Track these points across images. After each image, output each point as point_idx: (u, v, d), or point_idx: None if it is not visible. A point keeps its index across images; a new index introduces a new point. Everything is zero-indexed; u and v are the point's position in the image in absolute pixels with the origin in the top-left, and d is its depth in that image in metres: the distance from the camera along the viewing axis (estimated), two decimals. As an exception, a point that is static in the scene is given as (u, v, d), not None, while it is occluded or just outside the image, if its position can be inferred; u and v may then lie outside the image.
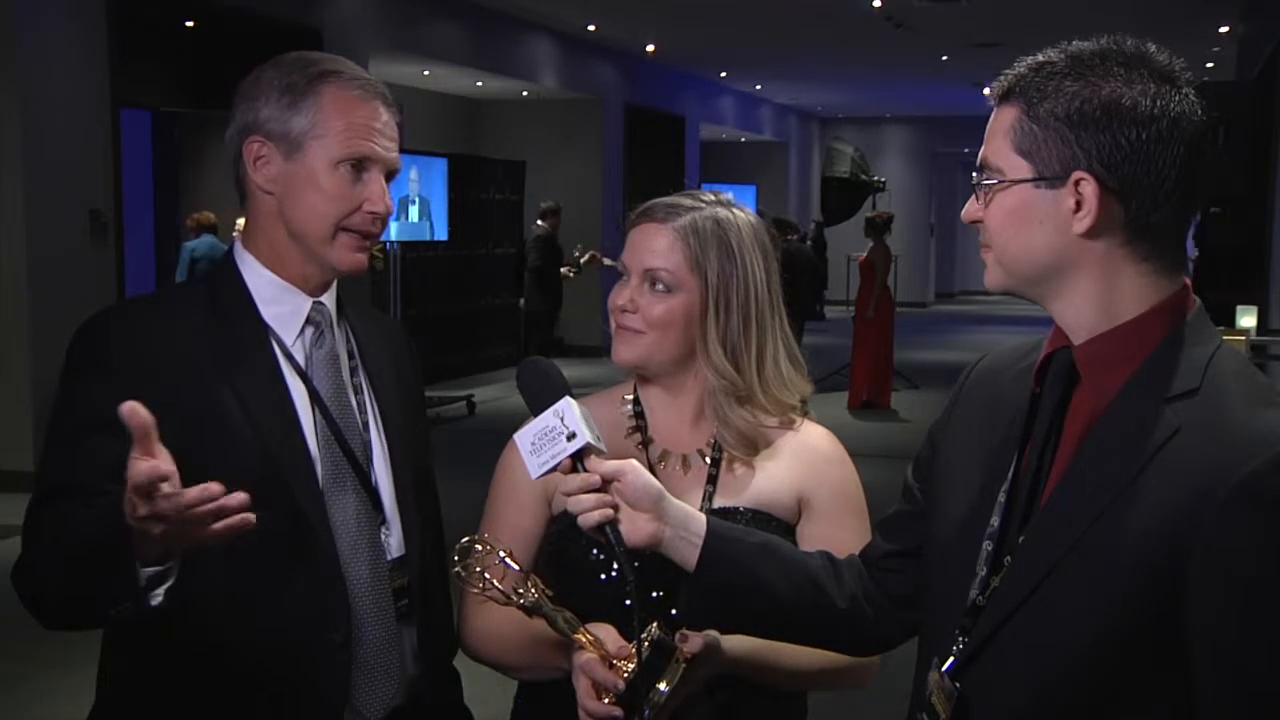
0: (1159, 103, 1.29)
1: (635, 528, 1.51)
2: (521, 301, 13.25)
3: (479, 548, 1.63)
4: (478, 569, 1.61)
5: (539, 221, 13.05)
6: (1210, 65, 16.59)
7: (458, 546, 1.64)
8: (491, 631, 1.82)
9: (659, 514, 1.52)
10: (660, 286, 1.79)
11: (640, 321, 1.79)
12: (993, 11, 13.18)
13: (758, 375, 1.82)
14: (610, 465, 1.51)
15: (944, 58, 16.68)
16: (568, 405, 1.51)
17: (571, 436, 1.49)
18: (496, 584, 1.61)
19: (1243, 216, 10.79)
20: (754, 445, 1.83)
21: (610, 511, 1.50)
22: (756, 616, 1.58)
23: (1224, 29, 13.67)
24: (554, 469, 1.51)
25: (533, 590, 1.61)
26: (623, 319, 1.81)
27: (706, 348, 1.80)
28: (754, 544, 1.58)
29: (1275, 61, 10.09)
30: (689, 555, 1.53)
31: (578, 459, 1.50)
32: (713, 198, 1.86)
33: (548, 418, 1.51)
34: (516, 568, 1.62)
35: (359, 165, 1.72)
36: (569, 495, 1.51)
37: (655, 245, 1.80)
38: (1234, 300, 8.32)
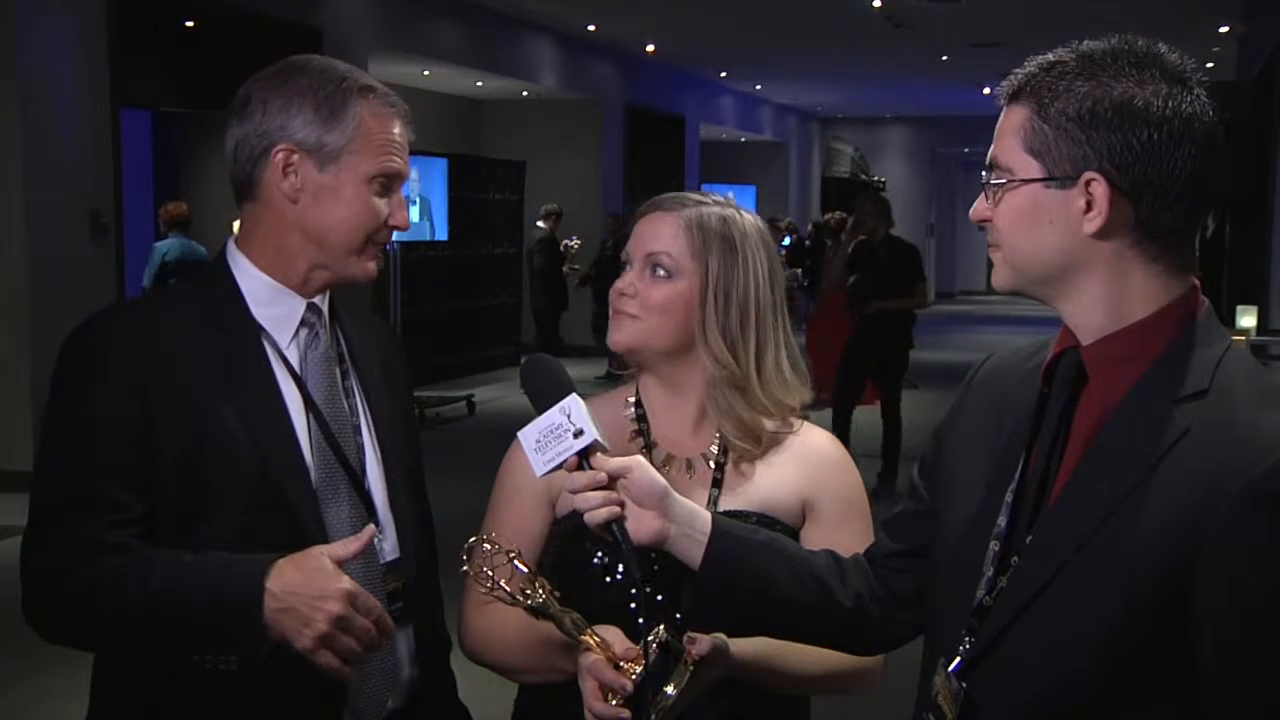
0: (1171, 103, 1.28)
1: (641, 525, 1.51)
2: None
3: (487, 547, 1.62)
4: (485, 569, 1.61)
5: (540, 224, 13.08)
6: (1210, 65, 16.58)
7: (465, 546, 1.63)
8: (494, 633, 1.81)
9: (665, 511, 1.52)
10: (661, 271, 1.80)
11: (638, 306, 1.80)
12: (993, 11, 13.18)
13: (756, 371, 1.82)
14: (616, 462, 1.51)
15: (944, 58, 16.68)
16: (575, 402, 1.50)
17: (579, 434, 1.48)
18: (504, 585, 1.60)
19: (1243, 217, 10.78)
20: (756, 438, 1.83)
21: (617, 509, 1.49)
22: (760, 614, 1.58)
23: (1224, 29, 13.67)
24: (559, 466, 1.50)
25: (540, 591, 1.60)
26: (621, 304, 1.82)
27: (705, 336, 1.80)
28: (759, 542, 1.57)
29: (1275, 61, 10.08)
30: (694, 553, 1.53)
31: (583, 456, 1.49)
32: (721, 199, 1.87)
33: (554, 415, 1.50)
34: (524, 569, 1.62)
35: (387, 181, 1.75)
36: (575, 492, 1.50)
37: (659, 232, 1.81)
38: (1234, 300, 8.32)
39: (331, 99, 1.72)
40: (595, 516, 1.49)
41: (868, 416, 11.22)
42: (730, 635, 1.65)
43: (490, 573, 1.60)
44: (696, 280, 1.80)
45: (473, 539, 1.64)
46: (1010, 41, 13.96)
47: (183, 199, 11.22)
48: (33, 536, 1.64)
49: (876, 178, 13.65)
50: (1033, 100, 1.33)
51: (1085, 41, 1.34)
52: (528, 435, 1.51)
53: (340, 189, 1.72)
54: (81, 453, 1.64)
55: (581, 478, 1.50)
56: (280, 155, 1.72)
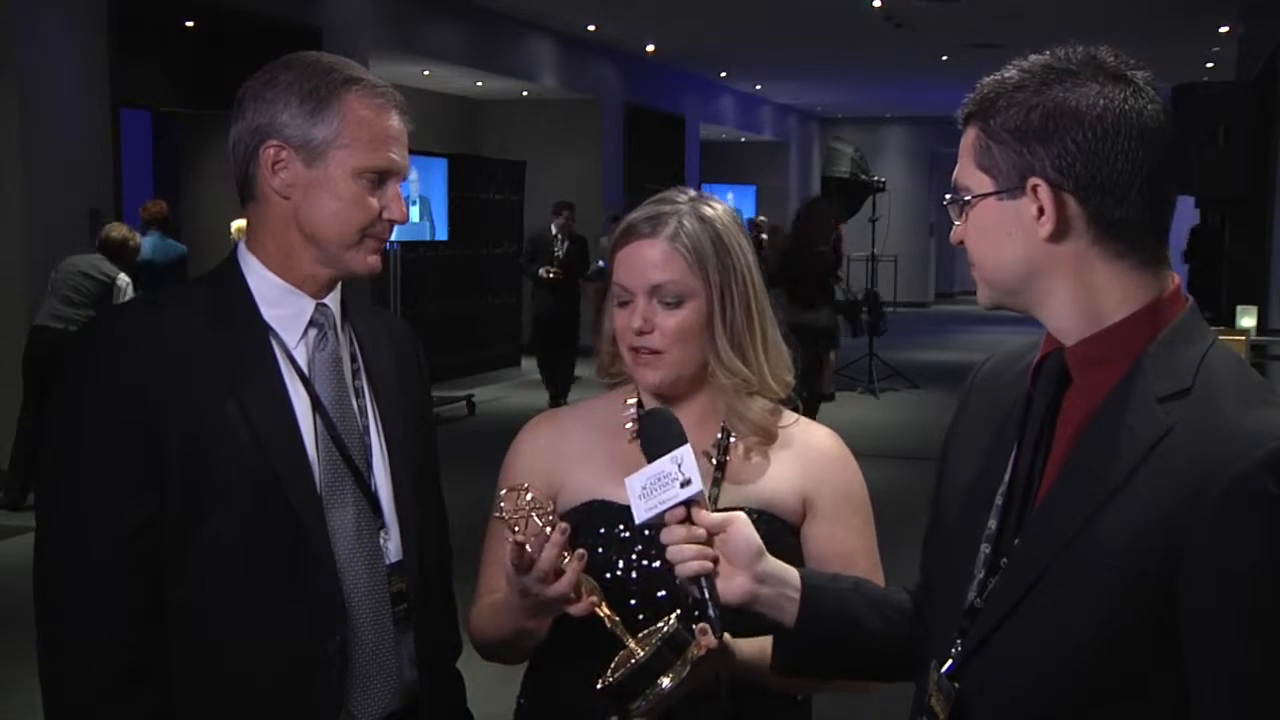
0: (1103, 100, 1.30)
1: (731, 585, 1.49)
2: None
3: (529, 496, 1.63)
4: (518, 513, 1.61)
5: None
6: (1210, 65, 16.58)
7: (501, 492, 1.63)
8: (477, 617, 1.84)
9: (756, 573, 1.50)
10: (669, 299, 1.78)
11: (658, 340, 1.78)
12: (993, 11, 13.18)
13: (765, 361, 1.82)
14: (717, 517, 1.51)
15: (944, 58, 16.68)
16: (687, 452, 1.52)
17: (686, 483, 1.50)
18: (530, 522, 1.61)
19: (1243, 216, 10.78)
20: (770, 434, 1.84)
21: (709, 564, 1.48)
22: (854, 659, 1.59)
23: (1224, 29, 13.67)
24: (661, 515, 1.51)
25: (565, 555, 1.60)
26: (640, 341, 1.78)
27: (717, 350, 1.79)
28: (847, 589, 1.57)
29: (1275, 61, 10.07)
30: (787, 610, 1.52)
31: (686, 507, 1.50)
32: (688, 195, 1.84)
33: (664, 464, 1.52)
34: (542, 524, 1.61)
35: (380, 175, 1.72)
36: (670, 544, 1.50)
37: (652, 259, 1.77)
38: (1234, 300, 8.30)
39: (317, 92, 1.70)
40: (686, 569, 1.48)
41: (868, 415, 11.23)
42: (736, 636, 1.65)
43: (524, 517, 1.61)
44: (704, 296, 1.78)
45: (507, 488, 1.64)
46: (1010, 42, 13.94)
47: (182, 199, 11.21)
48: (45, 545, 1.67)
49: (876, 178, 13.61)
50: (980, 119, 1.37)
51: (1030, 56, 1.37)
52: (634, 483, 1.53)
53: (330, 184, 1.70)
54: (76, 457, 1.65)
55: (679, 531, 1.49)
56: (269, 152, 1.71)
